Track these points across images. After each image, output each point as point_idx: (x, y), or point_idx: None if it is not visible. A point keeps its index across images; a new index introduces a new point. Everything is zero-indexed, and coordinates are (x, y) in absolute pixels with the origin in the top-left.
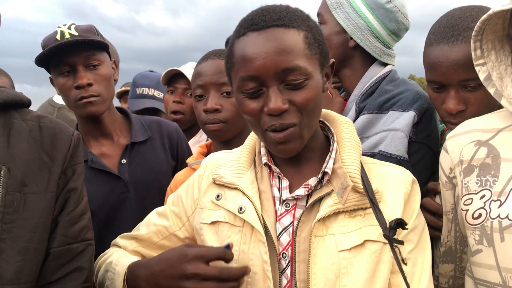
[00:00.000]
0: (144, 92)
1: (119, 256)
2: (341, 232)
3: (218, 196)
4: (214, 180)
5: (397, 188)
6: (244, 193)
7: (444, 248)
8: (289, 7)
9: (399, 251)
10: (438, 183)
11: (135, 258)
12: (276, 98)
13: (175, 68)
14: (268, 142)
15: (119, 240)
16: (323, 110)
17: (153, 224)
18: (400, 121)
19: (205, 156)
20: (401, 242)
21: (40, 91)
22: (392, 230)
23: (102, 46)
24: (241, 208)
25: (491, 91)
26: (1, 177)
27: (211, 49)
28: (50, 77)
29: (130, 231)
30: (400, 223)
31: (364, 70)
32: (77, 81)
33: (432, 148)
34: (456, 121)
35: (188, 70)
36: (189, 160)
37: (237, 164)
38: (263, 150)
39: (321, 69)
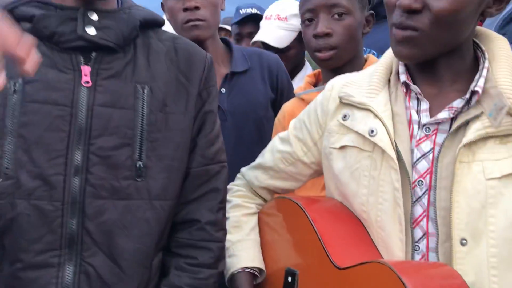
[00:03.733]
0: (248, 12)
1: (237, 240)
2: (490, 159)
3: (345, 116)
4: (341, 98)
5: None
6: (376, 115)
7: None
8: None
9: None
10: None
11: (250, 252)
12: None
13: None
14: (391, 40)
15: (245, 172)
16: (477, 27)
17: (277, 150)
18: None
19: (314, 86)
20: None
21: None
22: None
23: None
24: (372, 131)
25: None
26: (145, 96)
27: None
28: (161, 3)
29: (228, 157)
30: None
31: None
32: (186, 3)
33: None
34: None
35: None
36: (297, 91)
37: (369, 83)
38: (401, 68)
39: None
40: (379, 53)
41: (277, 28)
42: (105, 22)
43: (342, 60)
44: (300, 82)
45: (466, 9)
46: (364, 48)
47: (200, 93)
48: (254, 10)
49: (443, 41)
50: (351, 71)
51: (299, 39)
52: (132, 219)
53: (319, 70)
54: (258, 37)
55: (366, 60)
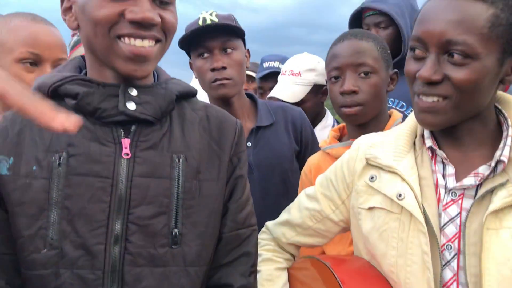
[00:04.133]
0: (270, 66)
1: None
2: None
3: (372, 177)
4: (367, 160)
5: None
6: (403, 179)
7: None
8: None
9: None
10: None
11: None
12: (430, 66)
13: None
14: (414, 108)
15: (272, 228)
16: (498, 92)
17: (304, 207)
18: None
19: (338, 140)
20: None
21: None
22: None
23: (238, 33)
24: (400, 195)
25: None
26: (180, 165)
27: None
28: (190, 62)
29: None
30: None
31: None
32: (213, 63)
33: None
34: None
35: None
36: (322, 144)
37: (395, 145)
38: (426, 133)
39: (501, 56)
40: (408, 104)
41: (291, 84)
42: (144, 97)
43: (367, 116)
44: (321, 131)
45: (485, 78)
46: (392, 99)
47: (231, 159)
48: (277, 64)
49: (465, 108)
50: (375, 126)
51: (314, 92)
52: (169, 286)
53: (343, 124)
54: (273, 93)
55: (390, 116)
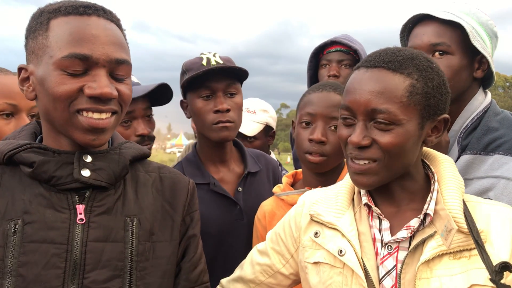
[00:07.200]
0: None
1: None
2: (446, 274)
3: (316, 233)
4: (311, 216)
5: (503, 227)
6: (343, 235)
7: None
8: (412, 53)
9: None
10: None
11: None
12: (359, 132)
13: None
14: (348, 170)
15: (226, 285)
16: (424, 148)
17: (256, 263)
18: (510, 169)
19: (291, 186)
20: (508, 287)
21: None
22: (499, 273)
23: (242, 76)
24: (341, 251)
25: None
26: (134, 228)
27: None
28: (181, 100)
29: (240, 257)
30: (505, 267)
31: (467, 102)
32: (218, 105)
33: None
34: None
35: None
36: (276, 190)
37: (335, 202)
38: (362, 191)
39: (421, 121)
40: None
41: (247, 120)
42: (99, 164)
43: (328, 167)
44: None
45: (409, 141)
46: None
47: (184, 219)
48: None
49: (394, 168)
50: (331, 176)
51: (264, 132)
52: None
53: (296, 171)
54: None
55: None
